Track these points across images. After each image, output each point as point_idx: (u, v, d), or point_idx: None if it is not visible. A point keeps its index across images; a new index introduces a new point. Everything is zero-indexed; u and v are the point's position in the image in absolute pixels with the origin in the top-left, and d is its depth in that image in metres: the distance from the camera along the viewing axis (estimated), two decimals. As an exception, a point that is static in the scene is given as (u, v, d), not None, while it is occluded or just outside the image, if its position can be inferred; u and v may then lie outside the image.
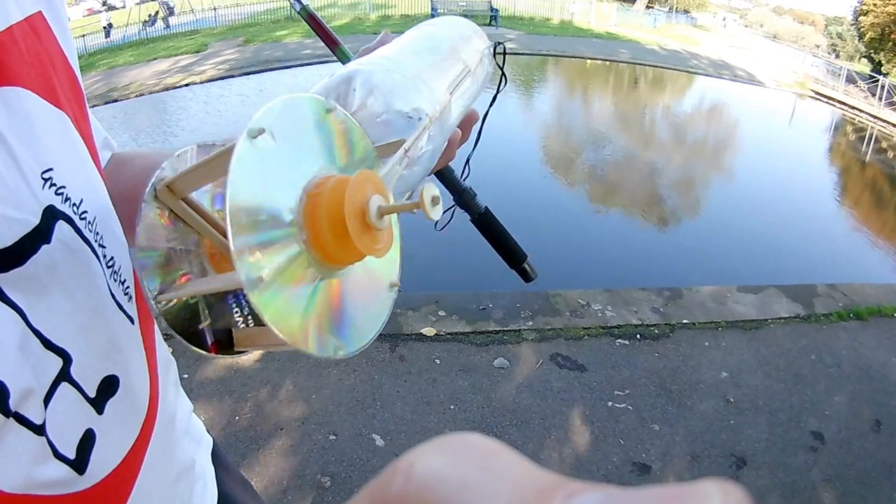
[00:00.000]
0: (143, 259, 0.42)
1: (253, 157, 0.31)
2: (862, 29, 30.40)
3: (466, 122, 0.67)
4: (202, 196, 0.47)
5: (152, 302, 0.42)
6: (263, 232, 0.31)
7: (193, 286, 0.44)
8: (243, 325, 0.48)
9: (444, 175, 0.84)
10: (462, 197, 0.86)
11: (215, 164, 0.39)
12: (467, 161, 0.88)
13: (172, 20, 24.03)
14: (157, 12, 24.93)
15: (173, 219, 0.44)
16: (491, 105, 0.81)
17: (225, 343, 0.46)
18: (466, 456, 0.17)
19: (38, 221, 0.39)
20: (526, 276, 0.93)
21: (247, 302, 0.49)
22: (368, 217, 0.33)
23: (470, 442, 0.18)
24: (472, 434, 0.18)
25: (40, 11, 0.47)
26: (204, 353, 0.44)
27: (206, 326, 0.45)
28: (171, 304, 0.43)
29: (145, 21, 23.57)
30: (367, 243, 0.33)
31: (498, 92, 0.82)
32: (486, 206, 0.88)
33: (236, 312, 0.48)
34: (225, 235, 0.46)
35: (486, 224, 0.90)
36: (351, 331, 0.37)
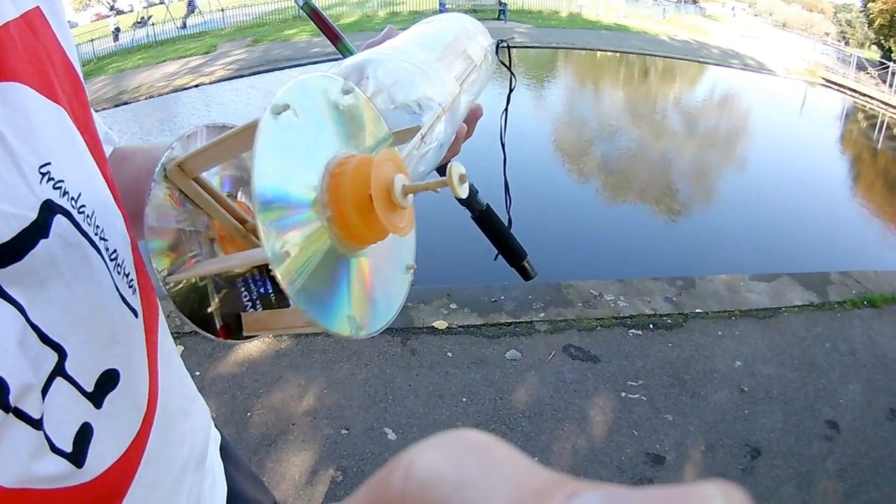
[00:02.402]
0: (151, 240, 0.42)
1: (277, 133, 0.31)
2: (871, 16, 30.19)
3: (471, 118, 0.67)
4: (210, 179, 0.47)
5: (161, 283, 0.42)
6: (287, 209, 0.30)
7: (209, 264, 0.44)
8: (252, 310, 0.48)
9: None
10: None
11: (231, 142, 0.39)
12: (507, 207, 0.89)
13: (165, 25, 24.04)
14: (149, 16, 25.03)
15: (182, 199, 0.44)
16: (507, 107, 0.81)
17: (233, 328, 0.46)
18: (465, 454, 0.17)
19: (35, 216, 0.39)
20: (525, 274, 0.94)
21: (256, 286, 0.50)
22: (394, 195, 0.33)
23: (469, 439, 0.18)
24: (472, 431, 0.18)
25: (38, 7, 0.47)
26: (212, 336, 0.45)
27: (214, 310, 0.45)
28: (181, 286, 0.43)
29: (137, 22, 23.78)
30: (393, 222, 0.33)
31: (510, 92, 0.83)
32: (487, 204, 0.89)
33: (245, 297, 0.48)
34: (236, 217, 0.47)
35: (487, 222, 0.90)
36: (371, 310, 0.37)
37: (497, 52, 0.78)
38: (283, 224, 0.30)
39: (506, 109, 0.78)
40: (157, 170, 0.43)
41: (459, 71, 0.63)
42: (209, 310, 0.45)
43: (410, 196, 0.35)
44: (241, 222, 0.48)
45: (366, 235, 0.33)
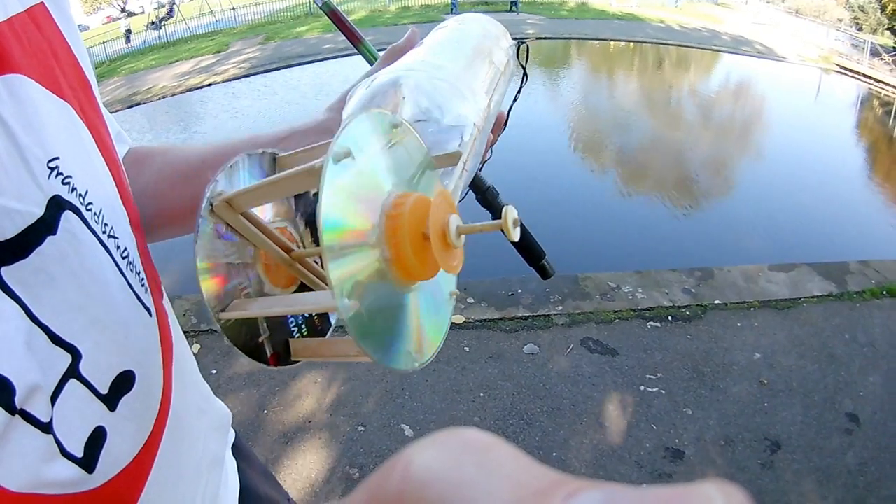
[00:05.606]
0: (203, 277, 0.42)
1: (337, 180, 0.32)
2: (883, 1, 29.90)
3: (496, 125, 0.67)
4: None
5: (216, 321, 0.42)
6: (350, 254, 0.32)
7: (270, 306, 0.44)
8: (297, 335, 0.48)
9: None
10: (485, 196, 0.87)
11: (286, 183, 0.39)
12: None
13: (176, 25, 23.95)
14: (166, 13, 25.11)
15: (228, 231, 0.44)
16: (513, 103, 0.80)
17: (282, 354, 0.46)
18: (464, 453, 0.17)
19: (42, 212, 0.38)
20: (544, 273, 0.95)
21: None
22: (449, 237, 0.34)
23: (468, 438, 0.18)
24: (471, 429, 0.18)
25: (42, 3, 0.46)
26: (264, 365, 0.45)
27: (265, 340, 0.45)
28: (232, 320, 0.43)
29: (152, 22, 23.79)
30: (447, 261, 0.35)
31: (519, 91, 0.83)
32: (507, 205, 0.87)
33: (291, 323, 0.48)
34: (281, 247, 0.47)
35: None
36: (424, 341, 0.39)
37: (517, 54, 0.78)
38: (348, 269, 0.31)
39: (510, 109, 0.78)
40: (202, 206, 0.42)
41: (489, 82, 0.63)
42: (260, 339, 0.45)
43: (463, 236, 0.35)
44: (286, 251, 0.48)
45: (421, 274, 0.35)
